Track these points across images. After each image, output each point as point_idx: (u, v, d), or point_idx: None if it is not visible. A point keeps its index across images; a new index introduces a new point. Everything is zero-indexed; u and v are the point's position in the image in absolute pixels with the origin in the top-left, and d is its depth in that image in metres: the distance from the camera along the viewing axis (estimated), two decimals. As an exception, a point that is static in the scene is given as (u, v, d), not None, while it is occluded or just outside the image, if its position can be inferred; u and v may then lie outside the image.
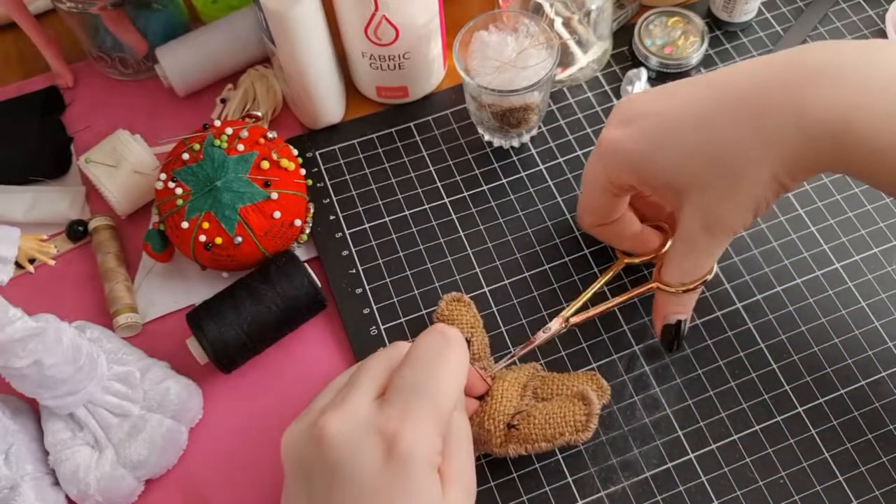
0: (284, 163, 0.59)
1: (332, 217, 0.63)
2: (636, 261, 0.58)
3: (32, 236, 0.63)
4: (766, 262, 0.59)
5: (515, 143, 0.65)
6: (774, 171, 0.45)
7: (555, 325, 0.55)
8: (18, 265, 0.62)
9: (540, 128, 0.66)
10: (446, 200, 0.64)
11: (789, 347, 0.56)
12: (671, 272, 0.52)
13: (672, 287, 0.52)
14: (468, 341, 0.54)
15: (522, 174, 0.65)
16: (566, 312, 0.55)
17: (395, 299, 0.60)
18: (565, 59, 0.66)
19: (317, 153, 0.66)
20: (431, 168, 0.65)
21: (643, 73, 0.67)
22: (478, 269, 0.61)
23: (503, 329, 0.58)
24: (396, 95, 0.68)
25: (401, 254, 0.62)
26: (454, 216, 0.63)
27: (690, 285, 0.52)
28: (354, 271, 0.61)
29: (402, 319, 0.59)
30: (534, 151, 0.65)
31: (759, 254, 0.60)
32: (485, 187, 0.64)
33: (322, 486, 0.40)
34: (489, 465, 0.53)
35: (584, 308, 0.56)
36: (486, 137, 0.66)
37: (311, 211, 0.62)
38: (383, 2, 0.59)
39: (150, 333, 0.61)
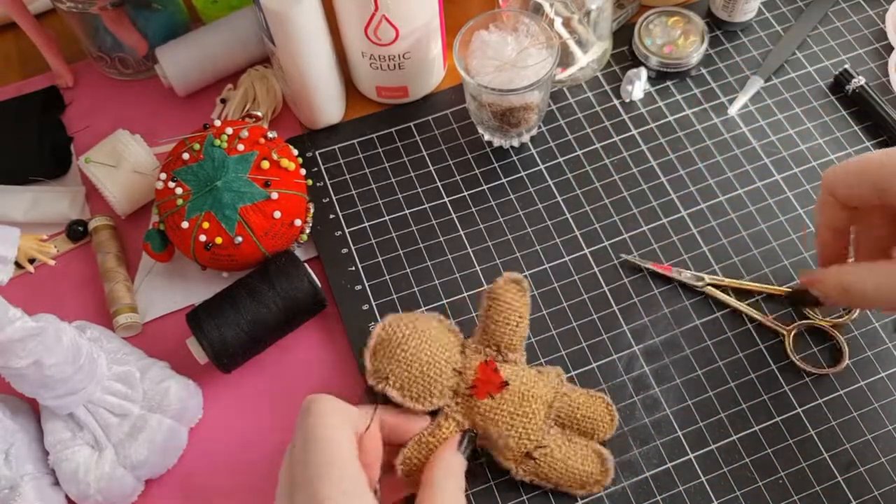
0: (284, 163, 0.59)
1: (331, 216, 0.63)
2: (821, 322, 0.56)
3: (32, 236, 0.63)
4: (766, 262, 0.60)
5: (515, 143, 0.65)
6: None
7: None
8: (18, 265, 0.62)
9: (540, 127, 0.66)
10: (446, 200, 0.64)
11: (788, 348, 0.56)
12: (869, 285, 0.47)
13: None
14: (513, 325, 0.52)
15: (522, 174, 0.65)
16: None
17: (394, 296, 0.60)
18: (565, 58, 0.66)
19: (317, 153, 0.66)
20: (431, 168, 0.65)
21: (643, 72, 0.67)
22: (478, 268, 0.61)
23: (503, 329, 0.58)
24: (396, 95, 0.68)
25: (400, 252, 0.62)
26: (454, 215, 0.63)
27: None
28: (354, 268, 0.61)
29: (402, 319, 0.59)
30: (534, 151, 0.65)
31: (759, 254, 0.60)
32: (484, 187, 0.64)
33: None
34: (489, 465, 0.53)
35: None
36: (486, 137, 0.66)
37: (311, 211, 0.62)
38: (383, 2, 0.59)
39: (150, 333, 0.61)
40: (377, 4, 0.59)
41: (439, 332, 0.51)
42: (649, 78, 0.68)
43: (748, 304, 0.57)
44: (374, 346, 0.50)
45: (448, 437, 0.50)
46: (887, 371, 0.55)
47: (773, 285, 0.58)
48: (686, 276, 0.59)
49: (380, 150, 0.66)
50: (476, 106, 0.63)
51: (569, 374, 0.56)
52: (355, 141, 0.67)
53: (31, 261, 0.63)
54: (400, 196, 0.64)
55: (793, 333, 0.56)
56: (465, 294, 0.59)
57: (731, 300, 0.57)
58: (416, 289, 0.60)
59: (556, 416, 0.52)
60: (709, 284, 0.58)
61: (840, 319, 0.57)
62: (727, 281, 0.58)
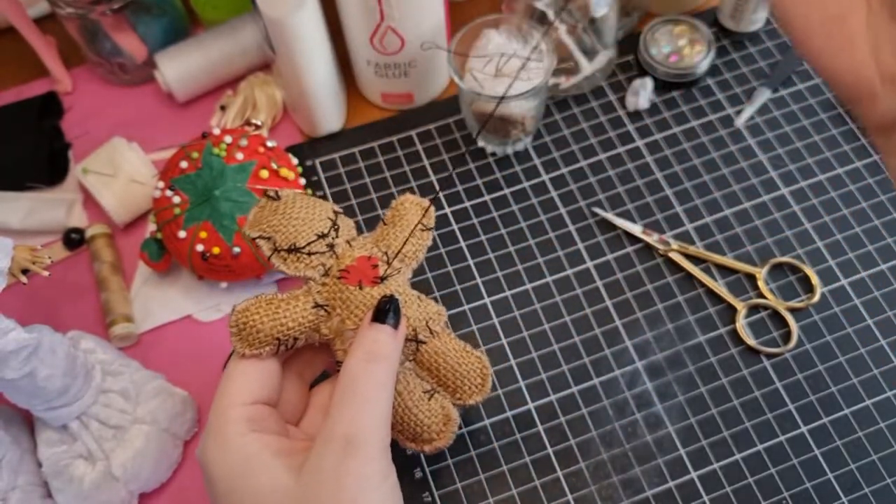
0: (284, 172, 0.58)
1: (331, 227, 0.63)
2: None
3: (26, 246, 0.62)
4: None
5: (509, 151, 0.65)
6: None
7: None
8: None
9: (543, 137, 0.65)
10: (447, 210, 0.63)
11: (793, 366, 0.55)
12: None
13: None
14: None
15: (525, 184, 0.64)
16: None
17: (394, 311, 0.59)
18: (569, 67, 0.66)
19: (317, 161, 0.66)
20: (433, 177, 0.64)
21: (649, 82, 0.66)
22: (479, 280, 0.60)
23: (500, 332, 0.57)
24: (402, 101, 0.67)
25: (401, 264, 0.61)
26: (455, 226, 0.62)
27: None
28: (353, 282, 0.60)
29: (402, 332, 0.58)
30: (537, 162, 0.65)
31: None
32: (486, 197, 0.63)
33: None
34: (489, 484, 0.53)
35: None
36: (481, 144, 0.65)
37: (311, 221, 0.61)
38: (389, 13, 0.58)
39: (146, 343, 0.60)
40: (383, 15, 0.58)
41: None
42: (655, 87, 0.67)
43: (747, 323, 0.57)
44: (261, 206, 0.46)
45: (300, 313, 0.43)
46: (894, 390, 0.54)
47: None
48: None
49: (381, 158, 0.66)
50: (469, 112, 0.62)
51: (569, 390, 0.55)
52: (356, 149, 0.66)
53: (25, 271, 0.62)
54: (401, 206, 0.63)
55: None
56: (466, 307, 0.59)
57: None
58: (415, 301, 0.59)
59: (415, 355, 0.45)
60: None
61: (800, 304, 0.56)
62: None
